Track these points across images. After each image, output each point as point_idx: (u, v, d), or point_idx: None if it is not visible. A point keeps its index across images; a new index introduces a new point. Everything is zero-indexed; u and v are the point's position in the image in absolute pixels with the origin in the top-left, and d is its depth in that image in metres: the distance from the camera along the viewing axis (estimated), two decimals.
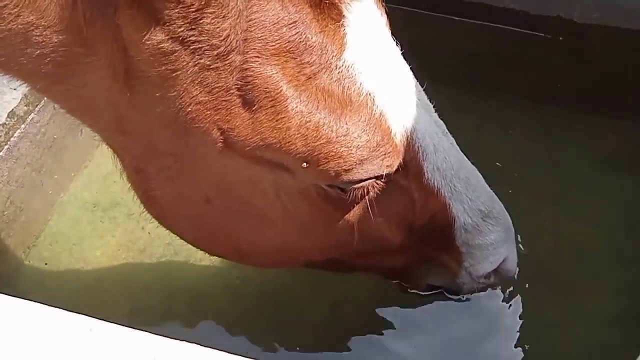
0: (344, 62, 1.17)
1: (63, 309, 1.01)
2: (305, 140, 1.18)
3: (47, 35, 1.08)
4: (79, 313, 1.00)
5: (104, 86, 1.16)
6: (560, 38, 2.64)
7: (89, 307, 2.18)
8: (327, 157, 1.21)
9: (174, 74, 1.09)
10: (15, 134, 2.26)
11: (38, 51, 1.10)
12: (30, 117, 2.31)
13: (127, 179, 1.47)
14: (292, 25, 1.09)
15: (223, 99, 1.13)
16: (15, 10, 1.04)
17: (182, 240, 1.67)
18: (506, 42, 2.72)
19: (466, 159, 1.57)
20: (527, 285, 2.18)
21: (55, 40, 1.08)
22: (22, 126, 2.29)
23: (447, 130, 1.51)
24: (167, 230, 1.64)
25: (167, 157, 1.29)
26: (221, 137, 1.19)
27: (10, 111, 2.24)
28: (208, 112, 1.14)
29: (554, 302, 2.16)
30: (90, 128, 1.39)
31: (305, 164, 1.22)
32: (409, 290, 1.87)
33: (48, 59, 1.11)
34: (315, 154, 1.20)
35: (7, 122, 2.24)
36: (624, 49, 2.56)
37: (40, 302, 1.03)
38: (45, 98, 2.35)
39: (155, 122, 1.20)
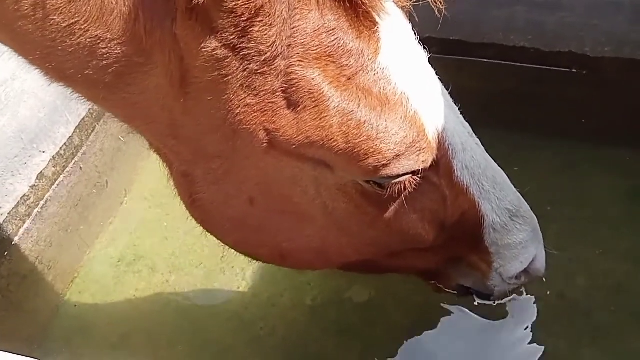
0: (379, 64, 1.26)
1: None
2: (346, 137, 1.26)
3: (111, 48, 1.17)
4: None
5: (161, 93, 1.25)
6: (575, 72, 2.64)
7: None
8: (367, 152, 1.28)
9: (225, 79, 1.19)
10: (45, 195, 2.33)
11: (103, 62, 1.19)
12: (58, 178, 2.39)
13: (174, 183, 1.54)
14: (331, 32, 1.20)
15: (269, 101, 1.22)
16: (85, 25, 1.15)
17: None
18: (522, 79, 2.73)
19: (492, 159, 1.57)
20: (561, 327, 2.09)
21: (118, 52, 1.18)
22: (51, 187, 2.36)
23: (472, 132, 1.53)
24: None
25: (215, 159, 1.37)
26: (267, 138, 1.27)
27: (39, 173, 2.32)
28: (255, 114, 1.23)
29: (592, 344, 2.05)
30: (143, 134, 1.46)
31: (346, 160, 1.29)
32: (444, 290, 1.87)
33: (111, 69, 1.20)
34: (355, 150, 1.27)
35: (36, 184, 2.31)
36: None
37: None
38: (72, 160, 2.46)
39: (206, 125, 1.29)
